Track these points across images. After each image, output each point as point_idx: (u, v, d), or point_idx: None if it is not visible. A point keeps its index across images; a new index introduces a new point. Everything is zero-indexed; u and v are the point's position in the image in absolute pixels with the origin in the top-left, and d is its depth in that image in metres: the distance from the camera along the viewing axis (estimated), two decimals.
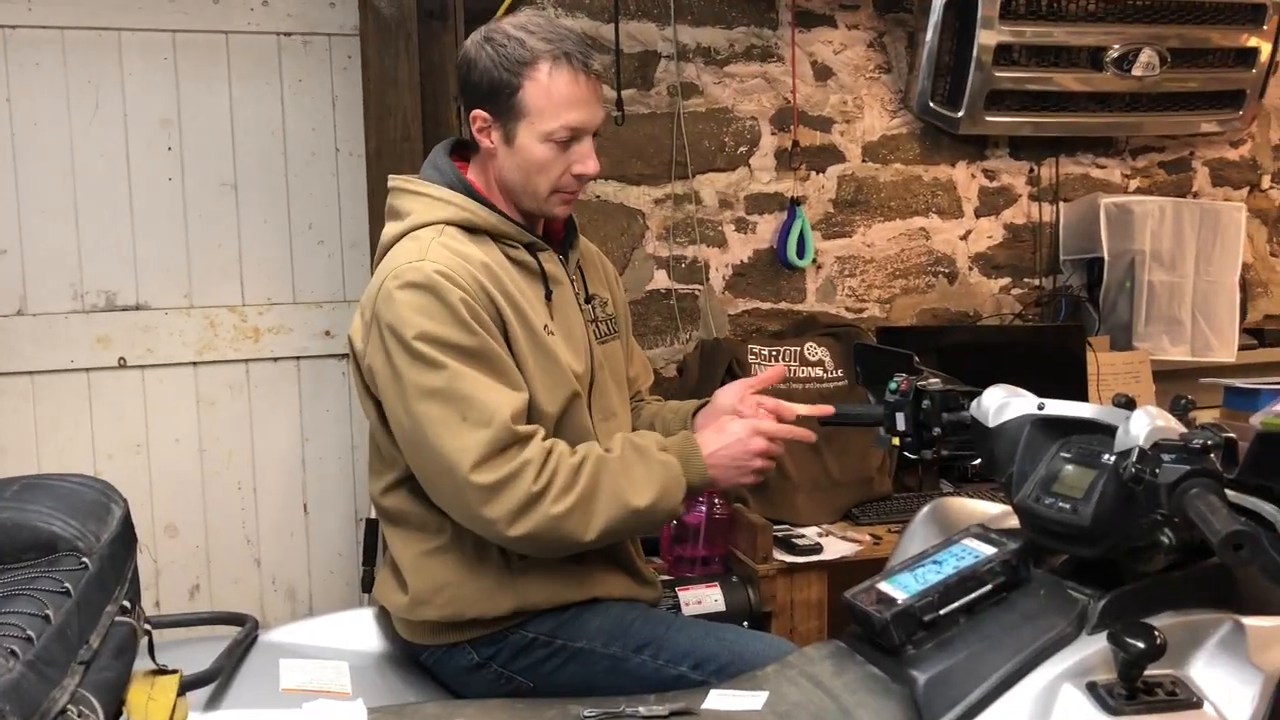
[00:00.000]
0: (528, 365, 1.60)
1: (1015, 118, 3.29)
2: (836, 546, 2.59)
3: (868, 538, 2.65)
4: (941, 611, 1.30)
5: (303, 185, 2.97)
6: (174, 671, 1.31)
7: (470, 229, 1.65)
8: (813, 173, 3.29)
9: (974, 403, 1.49)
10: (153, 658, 1.27)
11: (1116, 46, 3.21)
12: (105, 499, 1.30)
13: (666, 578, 2.49)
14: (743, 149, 3.22)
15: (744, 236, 3.23)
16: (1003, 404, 1.45)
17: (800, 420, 1.68)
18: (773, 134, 3.24)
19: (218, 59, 2.86)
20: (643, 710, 1.25)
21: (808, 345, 3.00)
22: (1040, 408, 1.42)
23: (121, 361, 2.86)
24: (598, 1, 3.04)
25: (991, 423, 1.44)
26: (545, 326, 1.64)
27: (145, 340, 2.88)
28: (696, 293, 3.21)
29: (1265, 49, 3.37)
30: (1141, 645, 1.17)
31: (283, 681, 1.47)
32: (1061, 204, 3.51)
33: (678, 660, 1.56)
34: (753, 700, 1.30)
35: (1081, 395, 3.08)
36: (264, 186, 2.94)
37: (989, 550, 1.36)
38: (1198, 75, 3.36)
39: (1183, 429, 1.23)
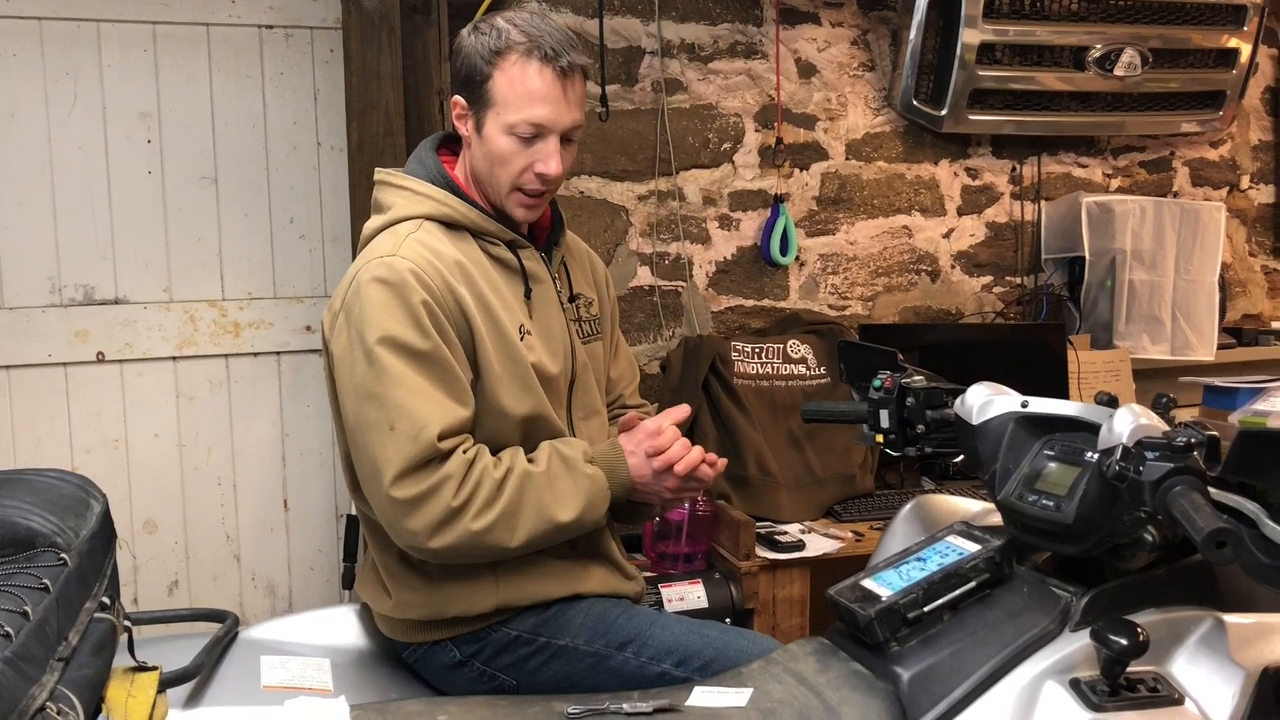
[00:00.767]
0: (493, 368, 1.58)
1: (998, 116, 3.30)
2: (819, 543, 2.59)
3: (850, 534, 2.65)
4: (925, 608, 1.30)
5: (284, 179, 2.95)
6: (154, 668, 1.30)
7: (450, 225, 1.65)
8: (796, 170, 3.29)
9: (958, 400, 1.49)
10: (132, 655, 1.26)
11: (1099, 46, 3.23)
12: (84, 494, 1.29)
13: (649, 574, 2.49)
14: (726, 146, 3.21)
15: (727, 233, 3.23)
16: (986, 402, 1.45)
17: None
18: (756, 131, 3.23)
19: (198, 51, 2.84)
20: (626, 707, 1.24)
21: (790, 343, 3.00)
22: (1024, 405, 1.42)
23: (100, 356, 2.84)
24: None
25: (975, 420, 1.45)
26: (521, 327, 1.63)
27: (124, 335, 2.85)
28: (680, 289, 3.20)
29: (1245, 50, 3.39)
30: (1124, 642, 1.18)
31: (264, 679, 1.46)
32: (1043, 203, 3.52)
33: (661, 657, 1.55)
34: (737, 697, 1.30)
35: (1062, 393, 3.09)
36: (245, 180, 2.92)
37: (972, 547, 1.36)
38: (1179, 75, 3.38)
39: (1166, 427, 1.23)
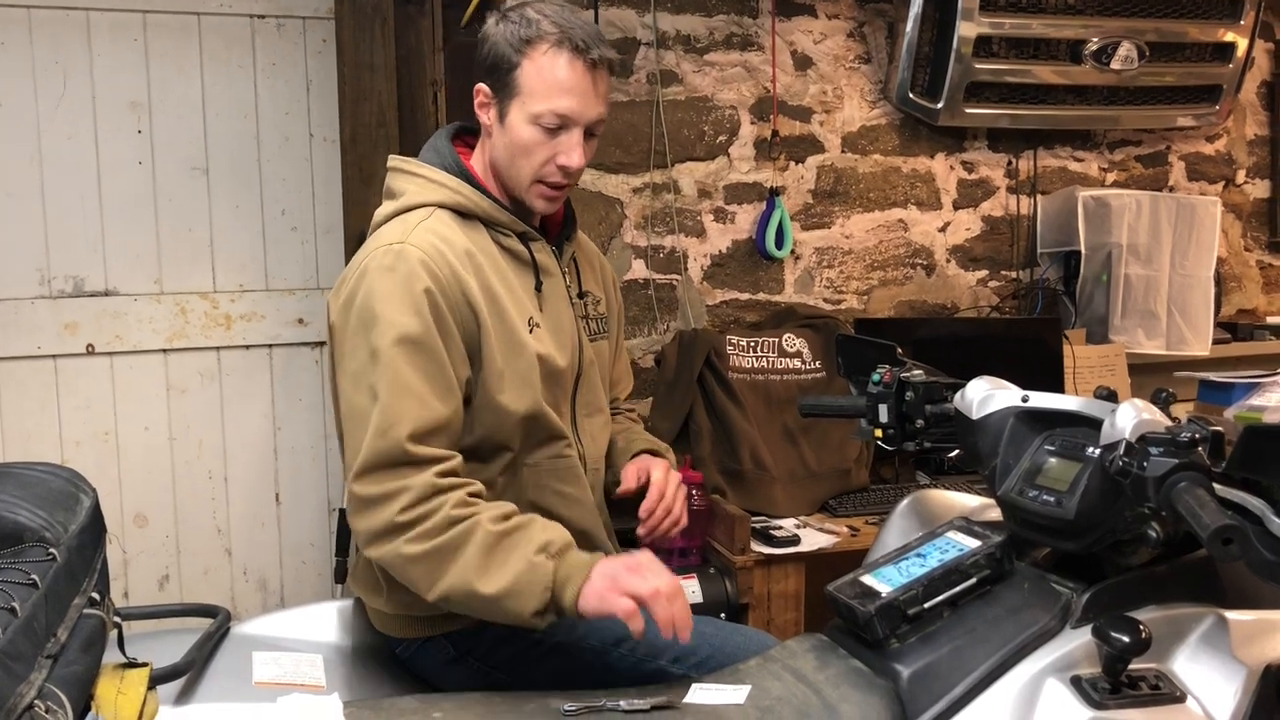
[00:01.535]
0: (495, 362, 1.56)
1: (994, 109, 3.28)
2: (814, 538, 2.58)
3: (845, 529, 2.64)
4: (925, 605, 1.29)
5: (275, 170, 2.93)
6: (144, 665, 1.28)
7: (463, 214, 1.63)
8: (792, 163, 3.27)
9: (957, 395, 1.48)
10: (122, 651, 1.24)
11: (1095, 40, 3.22)
12: (74, 488, 1.27)
13: None
14: (722, 138, 3.20)
15: (723, 226, 3.22)
16: (986, 396, 1.43)
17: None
18: (752, 123, 3.22)
19: (189, 40, 2.81)
20: (624, 705, 1.23)
21: (786, 336, 2.98)
22: (1024, 400, 1.41)
23: (90, 348, 2.82)
24: None
25: (975, 415, 1.43)
26: (530, 319, 1.61)
27: (114, 327, 2.83)
28: (675, 283, 3.19)
29: (1241, 44, 3.38)
30: (1126, 639, 1.16)
31: (255, 675, 1.44)
32: (1039, 197, 3.51)
33: (657, 654, 1.54)
34: (735, 694, 1.29)
35: (1058, 388, 3.08)
36: (236, 171, 2.90)
37: (972, 543, 1.35)
38: (1175, 69, 3.37)
39: (1169, 422, 1.22)
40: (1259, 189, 3.80)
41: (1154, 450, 1.15)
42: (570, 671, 1.51)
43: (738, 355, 2.89)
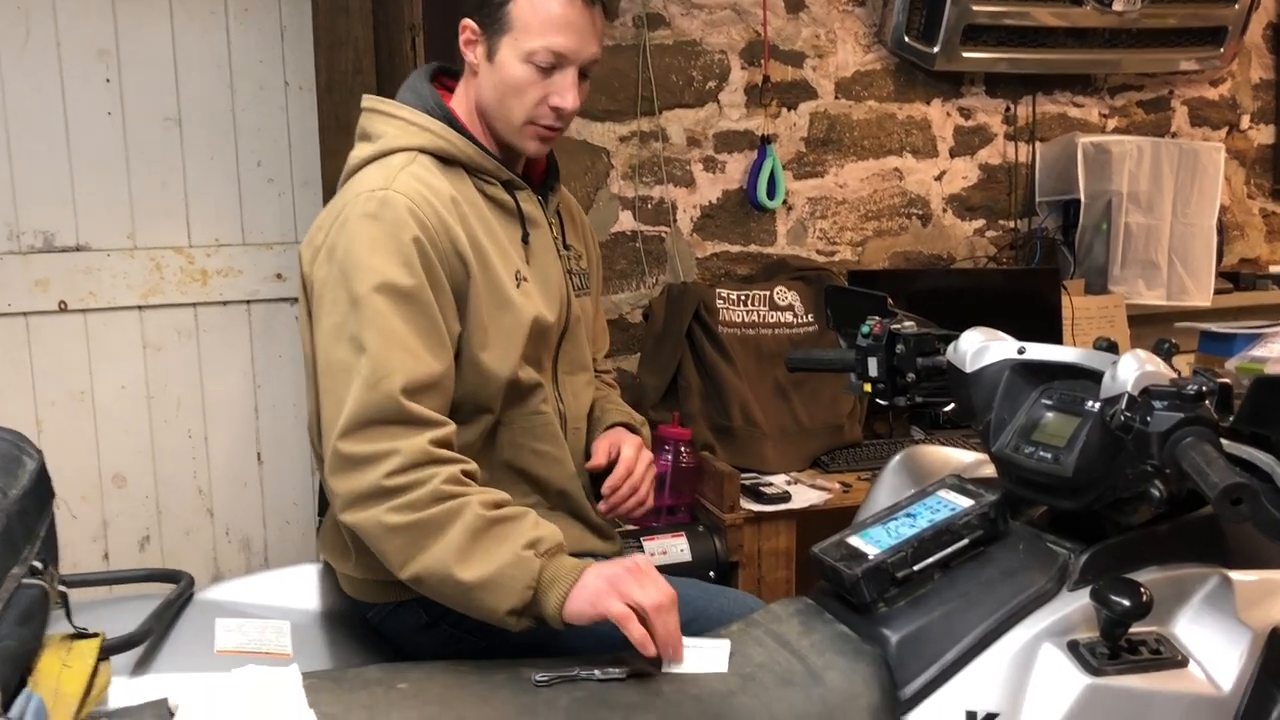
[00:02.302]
0: (480, 319, 1.48)
1: (992, 54, 3.19)
2: (805, 495, 2.53)
3: (837, 486, 2.58)
4: (915, 567, 1.23)
5: (250, 121, 2.84)
6: (95, 635, 1.22)
7: (445, 160, 1.54)
8: (784, 109, 3.18)
9: (950, 347, 1.41)
10: (70, 621, 1.18)
11: None
12: (16, 450, 1.21)
13: (631, 527, 2.43)
14: (711, 84, 3.10)
15: (713, 176, 3.13)
16: (981, 348, 1.37)
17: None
18: (743, 68, 3.12)
19: None
20: (598, 674, 1.17)
21: (777, 289, 2.91)
22: (1021, 352, 1.34)
23: (62, 305, 2.75)
24: None
25: (969, 368, 1.37)
26: (517, 273, 1.53)
27: (87, 283, 2.76)
28: (663, 235, 3.11)
29: None
30: (1126, 603, 1.11)
31: (218, 643, 1.38)
32: (1038, 144, 3.43)
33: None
34: (715, 655, 1.23)
35: (1056, 340, 3.02)
36: (209, 122, 2.81)
37: (965, 502, 1.29)
38: (1178, 11, 3.27)
39: (1173, 374, 1.15)
40: (1263, 135, 3.70)
41: (1158, 404, 1.08)
42: (545, 637, 1.45)
43: (728, 309, 2.82)
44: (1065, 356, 1.30)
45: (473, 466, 1.41)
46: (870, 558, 1.23)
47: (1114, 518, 1.26)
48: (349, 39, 2.62)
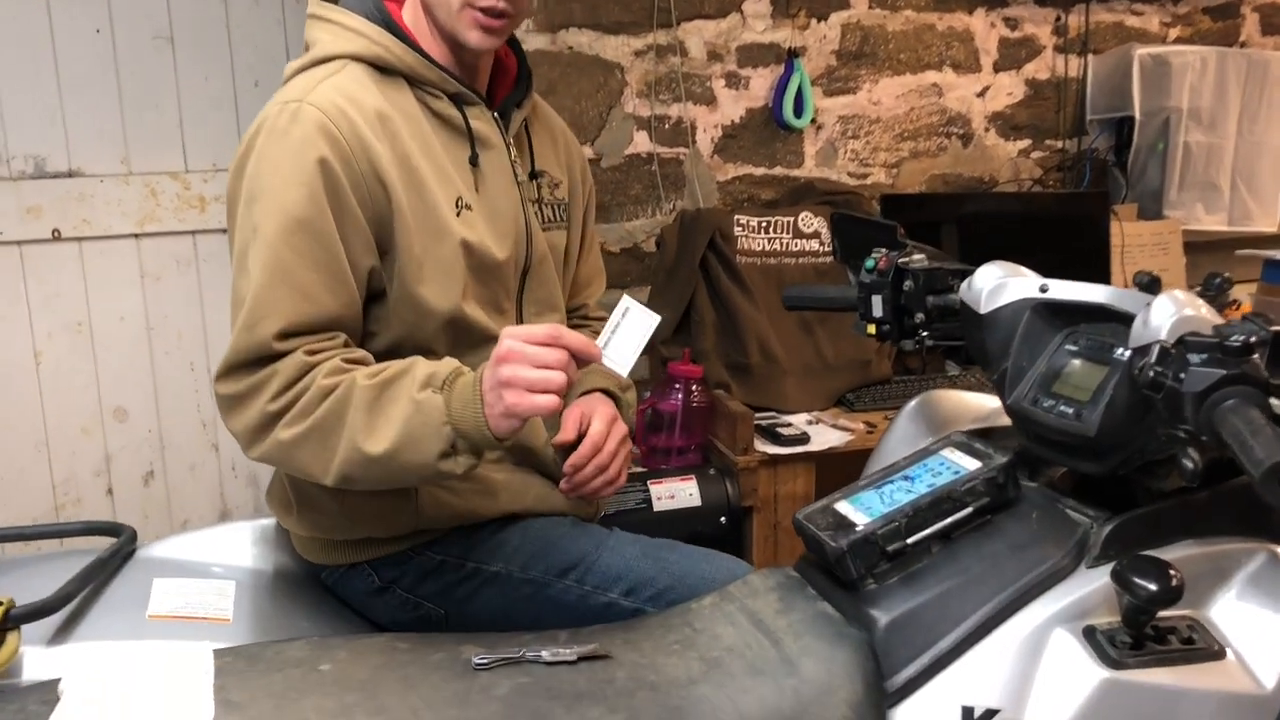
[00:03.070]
0: (411, 249, 1.33)
1: None
2: (825, 436, 2.37)
3: (861, 426, 2.43)
4: (910, 539, 1.07)
5: (246, 36, 2.72)
6: (2, 601, 1.12)
7: (382, 69, 1.38)
8: (813, 20, 2.97)
9: (964, 284, 1.24)
10: None
11: None
12: None
13: (639, 469, 2.30)
14: None
15: (735, 93, 2.93)
16: (998, 285, 1.19)
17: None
18: None
19: None
20: (546, 655, 1.03)
21: (802, 215, 2.72)
22: (1043, 290, 1.16)
23: (56, 233, 2.65)
24: None
25: (984, 308, 1.19)
26: (459, 199, 1.37)
27: (80, 210, 2.66)
28: (681, 157, 2.93)
29: None
30: (1153, 587, 0.95)
31: (151, 607, 1.27)
32: (1090, 56, 3.21)
33: (608, 585, 1.33)
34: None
35: (1103, 270, 2.82)
36: (203, 39, 2.69)
37: (971, 464, 1.12)
38: None
39: (1217, 320, 0.97)
40: None
41: (1195, 358, 0.91)
42: (507, 606, 1.32)
43: (747, 237, 2.64)
44: (1093, 295, 1.12)
45: (360, 353, 1.30)
46: (858, 528, 1.07)
47: (1145, 482, 1.09)
48: None
